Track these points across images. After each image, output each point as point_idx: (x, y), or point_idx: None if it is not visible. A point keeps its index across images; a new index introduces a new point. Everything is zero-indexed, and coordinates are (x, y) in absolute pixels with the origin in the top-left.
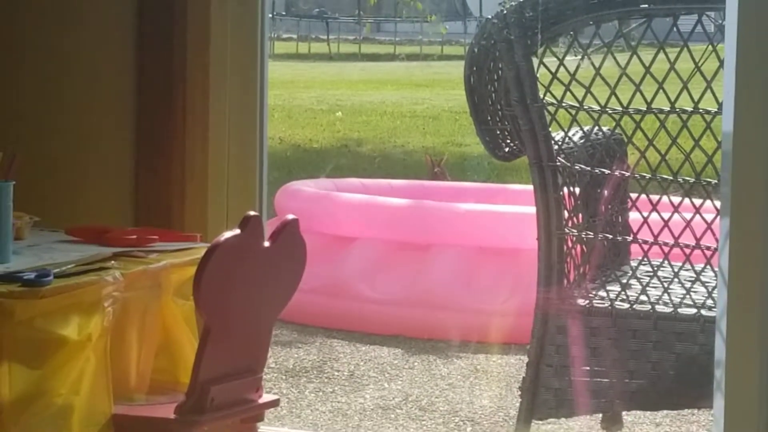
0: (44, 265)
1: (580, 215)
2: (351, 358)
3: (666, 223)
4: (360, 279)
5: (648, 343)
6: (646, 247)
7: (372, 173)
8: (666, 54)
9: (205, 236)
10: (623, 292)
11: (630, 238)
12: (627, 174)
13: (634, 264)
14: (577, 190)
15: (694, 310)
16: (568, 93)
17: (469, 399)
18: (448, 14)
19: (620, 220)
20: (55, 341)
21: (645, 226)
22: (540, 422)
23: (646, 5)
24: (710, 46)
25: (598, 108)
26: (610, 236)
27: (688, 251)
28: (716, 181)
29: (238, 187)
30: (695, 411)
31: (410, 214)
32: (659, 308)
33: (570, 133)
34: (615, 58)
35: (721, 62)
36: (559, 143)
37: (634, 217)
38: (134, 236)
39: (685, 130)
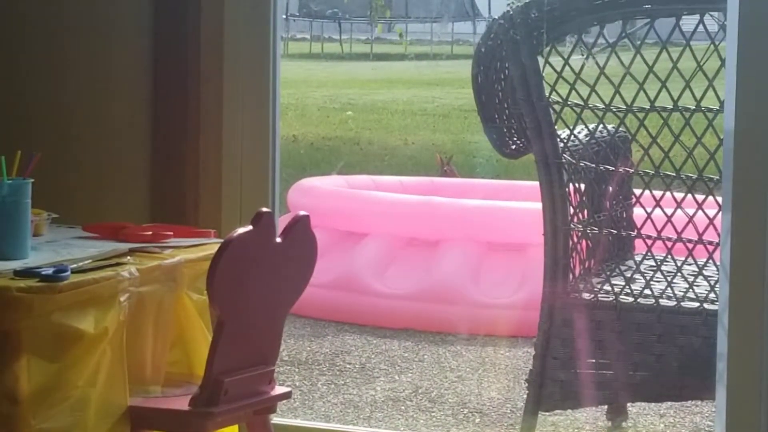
0: (62, 261)
1: (585, 211)
2: (362, 351)
3: (669, 218)
4: (371, 274)
5: (652, 336)
6: (649, 242)
7: (383, 170)
8: (669, 53)
9: (219, 232)
10: (627, 286)
11: (634, 234)
12: (631, 171)
13: (638, 259)
14: (582, 186)
15: (696, 304)
16: (574, 91)
17: (478, 391)
18: (457, 14)
19: (624, 215)
20: (72, 335)
21: (649, 221)
22: (546, 413)
23: (649, 5)
24: (712, 45)
25: (603, 106)
26: (615, 231)
27: (690, 246)
28: (718, 177)
29: (251, 184)
30: (698, 402)
31: (420, 210)
32: (663, 302)
33: (575, 131)
34: (619, 58)
35: (723, 61)
36: (565, 141)
37: (638, 212)
38: (150, 232)
39: (688, 128)
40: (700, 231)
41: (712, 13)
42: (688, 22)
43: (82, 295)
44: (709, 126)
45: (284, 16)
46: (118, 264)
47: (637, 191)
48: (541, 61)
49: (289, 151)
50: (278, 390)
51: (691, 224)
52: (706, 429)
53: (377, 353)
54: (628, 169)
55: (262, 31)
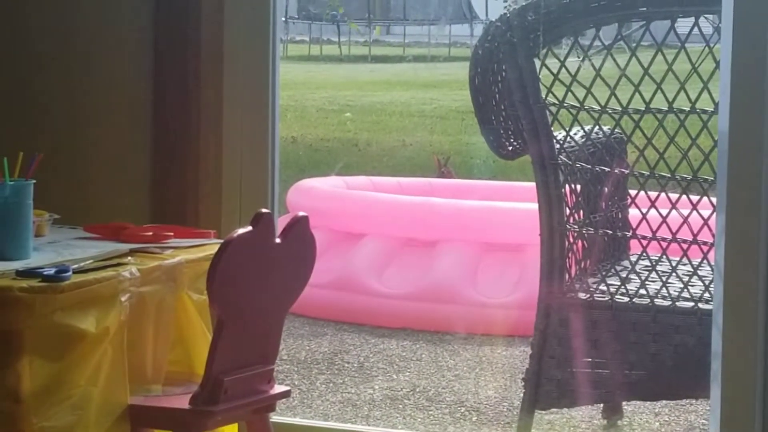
0: (63, 261)
1: (581, 212)
2: (361, 350)
3: (664, 219)
4: (369, 274)
5: (647, 336)
6: (645, 242)
7: (381, 171)
8: (664, 55)
9: (219, 233)
10: (623, 286)
11: (629, 234)
12: (626, 172)
13: (633, 259)
14: (578, 187)
15: (691, 304)
16: (570, 93)
17: (475, 390)
18: (454, 17)
19: (620, 216)
20: (74, 334)
21: (644, 222)
22: (543, 412)
23: (645, 8)
24: (707, 48)
25: (599, 108)
26: (610, 232)
27: (685, 246)
28: (712, 178)
29: (251, 186)
30: (693, 401)
31: (418, 211)
32: (658, 302)
33: (571, 133)
34: (615, 60)
35: (717, 63)
36: (561, 142)
37: (633, 213)
38: (150, 233)
39: (683, 130)
40: (695, 231)
41: (706, 15)
42: (683, 25)
43: (83, 295)
44: (704, 127)
45: (283, 19)
46: (119, 264)
47: (633, 192)
48: (537, 63)
49: (288, 153)
50: (277, 389)
51: (685, 225)
52: (701, 427)
53: (375, 352)
54: (623, 170)
55: (262, 34)
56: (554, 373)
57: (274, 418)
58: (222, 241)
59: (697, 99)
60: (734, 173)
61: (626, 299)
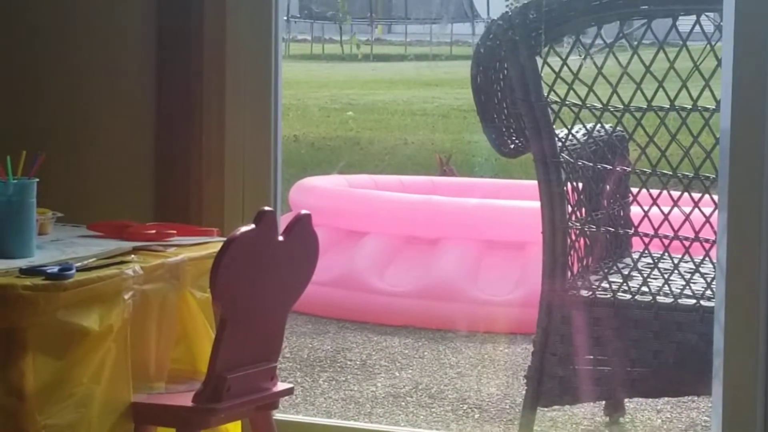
0: (67, 259)
1: (583, 209)
2: (363, 348)
3: (666, 216)
4: (371, 272)
5: (649, 333)
6: (647, 239)
7: (383, 170)
8: (666, 53)
9: (222, 231)
10: (625, 284)
11: (631, 232)
12: (628, 169)
13: (635, 256)
14: (580, 185)
15: (693, 301)
16: (572, 91)
17: (477, 387)
18: (456, 16)
19: (622, 213)
20: (77, 332)
21: (646, 219)
22: (545, 409)
23: (646, 6)
24: (708, 46)
25: (601, 106)
26: (612, 229)
27: (687, 244)
28: (714, 176)
29: (254, 184)
30: (695, 398)
31: (420, 209)
32: (660, 299)
33: (573, 131)
34: (616, 58)
35: (719, 61)
36: (563, 140)
37: (635, 210)
38: (153, 231)
39: (685, 127)
40: (697, 229)
41: (708, 13)
42: (685, 23)
43: (86, 293)
44: (706, 125)
45: (285, 18)
46: (122, 262)
47: (635, 190)
48: (539, 61)
49: (291, 151)
50: (280, 386)
51: (687, 222)
52: (703, 424)
53: (378, 350)
54: (625, 167)
55: (264, 33)
56: (556, 370)
57: (277, 415)
58: (225, 239)
59: (698, 97)
60: (736, 171)
61: (628, 296)
